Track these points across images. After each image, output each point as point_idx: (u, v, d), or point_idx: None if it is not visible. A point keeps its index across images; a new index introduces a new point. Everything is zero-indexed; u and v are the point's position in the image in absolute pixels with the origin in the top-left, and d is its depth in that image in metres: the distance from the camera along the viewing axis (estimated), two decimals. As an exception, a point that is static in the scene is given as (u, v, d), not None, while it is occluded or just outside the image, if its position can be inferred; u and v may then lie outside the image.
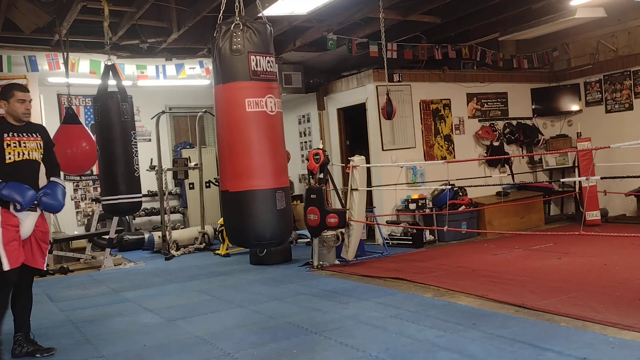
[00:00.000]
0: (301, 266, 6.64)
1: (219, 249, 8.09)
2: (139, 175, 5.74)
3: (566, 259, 5.89)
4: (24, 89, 3.85)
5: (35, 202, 3.68)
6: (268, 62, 3.41)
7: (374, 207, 7.96)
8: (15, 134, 3.69)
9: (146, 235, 8.95)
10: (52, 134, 6.97)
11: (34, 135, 3.80)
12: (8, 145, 3.64)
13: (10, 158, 3.63)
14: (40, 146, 3.82)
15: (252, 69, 3.32)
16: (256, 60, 3.34)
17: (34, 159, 3.76)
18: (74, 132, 6.83)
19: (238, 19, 3.35)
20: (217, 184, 9.17)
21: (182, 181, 9.87)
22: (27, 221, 3.70)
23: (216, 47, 3.40)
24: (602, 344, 3.27)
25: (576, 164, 8.55)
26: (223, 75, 3.39)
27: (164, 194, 8.59)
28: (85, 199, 9.89)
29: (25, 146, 3.71)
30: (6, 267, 3.49)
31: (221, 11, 3.64)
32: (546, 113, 9.49)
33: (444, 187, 7.50)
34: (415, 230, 7.47)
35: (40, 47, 7.22)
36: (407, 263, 6.37)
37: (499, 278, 5.21)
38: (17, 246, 3.57)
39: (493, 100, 9.13)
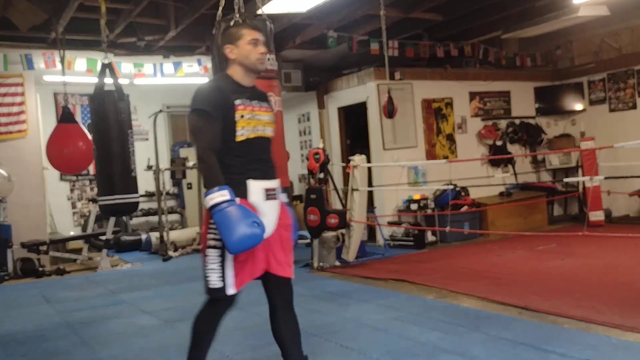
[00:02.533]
0: (301, 267, 6.58)
1: (217, 250, 8.01)
2: (136, 175, 5.69)
3: (569, 260, 5.84)
4: (255, 25, 2.76)
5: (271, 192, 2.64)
6: (268, 59, 3.35)
7: (375, 208, 7.91)
8: (247, 100, 2.63)
9: (143, 236, 8.89)
10: (48, 134, 7.03)
11: (265, 105, 2.73)
12: (242, 116, 2.57)
13: (242, 134, 2.57)
14: (273, 120, 2.76)
15: (252, 66, 3.26)
16: (256, 57, 3.28)
17: (267, 136, 2.70)
18: (70, 131, 6.78)
19: (237, 15, 3.30)
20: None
21: (179, 181, 9.82)
22: (271, 215, 2.63)
23: (215, 44, 3.34)
24: (606, 345, 3.24)
25: (580, 164, 8.50)
26: (222, 73, 3.33)
27: (162, 194, 8.53)
28: (82, 199, 9.82)
29: (259, 119, 2.64)
30: (231, 290, 2.53)
31: (220, 8, 3.58)
32: (549, 112, 9.43)
33: (446, 187, 7.45)
34: (416, 231, 7.41)
35: (36, 45, 7.17)
36: (409, 264, 6.32)
37: (502, 279, 5.17)
38: (250, 261, 2.58)
39: (496, 99, 9.07)
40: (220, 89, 2.59)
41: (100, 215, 7.98)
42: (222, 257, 2.51)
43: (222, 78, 2.71)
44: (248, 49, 2.64)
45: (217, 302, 2.60)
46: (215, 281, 2.52)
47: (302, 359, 2.88)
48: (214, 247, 2.52)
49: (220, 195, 2.36)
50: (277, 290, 2.74)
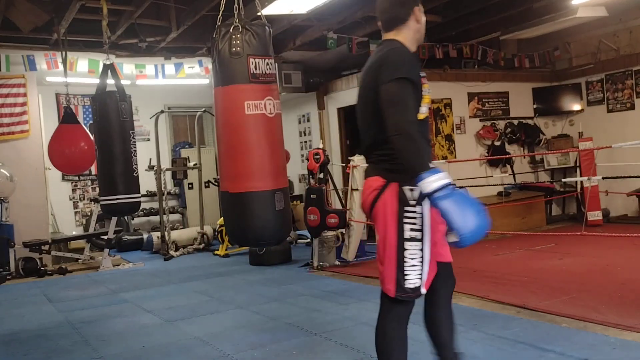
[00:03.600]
0: (301, 267, 6.61)
1: (218, 250, 8.06)
2: (137, 175, 5.71)
3: (568, 260, 5.85)
4: None
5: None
6: (267, 64, 3.38)
7: (375, 207, 7.91)
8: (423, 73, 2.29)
9: (145, 236, 8.92)
10: (50, 134, 7.06)
11: None
12: (427, 91, 2.25)
13: (423, 112, 2.23)
14: None
15: (251, 71, 3.30)
16: (255, 62, 3.32)
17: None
18: (72, 132, 6.80)
19: (237, 20, 3.32)
20: (216, 184, 9.14)
21: (181, 181, 9.85)
22: None
23: (215, 49, 3.38)
24: (604, 344, 3.25)
25: (578, 164, 8.52)
26: (222, 78, 3.37)
27: (163, 194, 8.56)
28: (84, 199, 9.86)
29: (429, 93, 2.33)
30: (424, 289, 2.24)
31: (220, 11, 3.60)
32: (547, 112, 9.45)
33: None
34: (415, 231, 7.42)
35: (38, 46, 7.19)
36: (408, 263, 6.33)
37: (501, 279, 5.18)
38: (437, 256, 2.31)
39: (494, 100, 9.09)
40: (413, 57, 2.24)
41: (102, 215, 8.02)
42: (422, 251, 2.18)
43: (402, 46, 2.28)
44: (423, 19, 2.34)
45: (405, 305, 2.25)
46: (414, 280, 2.18)
47: (454, 353, 2.50)
48: (414, 239, 2.17)
49: (444, 176, 2.01)
50: (447, 281, 2.41)
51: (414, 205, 2.17)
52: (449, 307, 2.45)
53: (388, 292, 2.22)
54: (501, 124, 9.12)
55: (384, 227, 2.22)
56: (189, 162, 9.28)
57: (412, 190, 2.16)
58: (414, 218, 2.16)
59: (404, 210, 2.16)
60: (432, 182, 1.99)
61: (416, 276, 2.18)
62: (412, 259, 2.17)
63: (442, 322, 2.43)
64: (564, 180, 8.77)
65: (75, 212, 9.79)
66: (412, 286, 2.19)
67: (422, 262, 2.18)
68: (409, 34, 2.31)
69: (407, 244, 2.17)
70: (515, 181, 8.93)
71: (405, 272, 2.17)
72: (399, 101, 2.11)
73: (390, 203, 2.18)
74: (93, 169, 8.44)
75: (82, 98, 9.52)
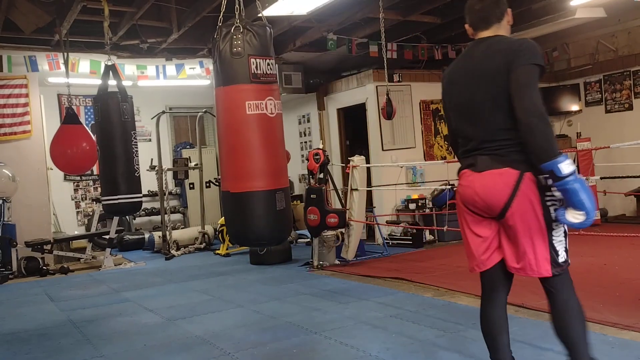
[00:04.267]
0: (301, 266, 6.64)
1: (219, 249, 8.09)
2: (139, 175, 5.75)
3: (566, 259, 5.88)
4: None
5: None
6: (268, 64, 3.41)
7: (374, 207, 7.97)
8: None
9: (146, 235, 8.96)
10: (52, 135, 7.10)
11: None
12: None
13: None
14: None
15: (252, 72, 3.33)
16: (256, 63, 3.34)
17: None
18: (74, 132, 6.85)
19: (238, 21, 3.35)
20: (217, 184, 9.18)
21: (182, 181, 9.89)
22: None
23: (216, 49, 3.41)
24: (602, 344, 3.26)
25: (576, 164, 8.56)
26: (223, 78, 3.40)
27: (164, 194, 8.60)
28: (86, 199, 9.90)
29: None
30: (569, 259, 2.42)
31: (221, 12, 3.64)
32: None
33: (443, 187, 7.50)
34: (415, 230, 7.47)
35: (40, 47, 7.24)
36: (407, 263, 6.37)
37: (499, 278, 5.20)
38: None
39: (493, 100, 9.11)
40: None
41: (103, 214, 8.06)
42: (564, 226, 2.33)
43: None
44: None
45: (568, 276, 2.40)
46: (563, 254, 2.35)
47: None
48: (555, 219, 2.29)
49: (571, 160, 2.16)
50: (507, 283, 2.67)
51: (551, 190, 2.27)
52: (505, 308, 2.61)
53: (546, 273, 2.37)
54: (500, 125, 9.14)
55: (534, 216, 2.31)
56: (190, 162, 9.32)
57: (546, 179, 2.25)
58: (555, 201, 2.27)
59: (546, 196, 2.28)
60: (568, 165, 2.12)
61: (564, 250, 2.35)
62: (558, 236, 2.33)
63: (501, 322, 2.58)
64: (562, 180, 8.77)
65: (77, 212, 9.83)
66: (563, 259, 2.35)
67: (565, 236, 2.35)
68: (504, 31, 2.47)
69: (554, 224, 2.31)
70: (514, 181, 8.94)
71: (558, 250, 2.33)
72: (534, 85, 2.21)
73: (533, 193, 2.28)
74: (95, 169, 8.49)
75: (83, 99, 9.56)
